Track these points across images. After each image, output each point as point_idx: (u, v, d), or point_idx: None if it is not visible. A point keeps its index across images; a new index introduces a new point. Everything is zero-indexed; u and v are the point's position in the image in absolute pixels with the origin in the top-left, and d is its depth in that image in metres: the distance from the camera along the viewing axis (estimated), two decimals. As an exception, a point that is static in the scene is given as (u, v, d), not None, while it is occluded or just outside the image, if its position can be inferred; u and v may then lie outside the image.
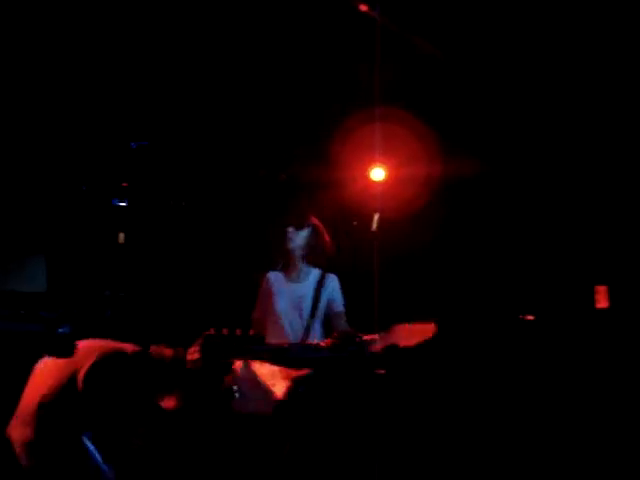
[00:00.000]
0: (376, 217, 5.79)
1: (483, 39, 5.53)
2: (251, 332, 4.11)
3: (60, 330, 2.50)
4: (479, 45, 5.56)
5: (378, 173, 5.81)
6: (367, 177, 5.77)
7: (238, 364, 4.36)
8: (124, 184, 5.97)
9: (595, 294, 5.72)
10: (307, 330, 4.44)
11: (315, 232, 4.79)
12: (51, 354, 2.62)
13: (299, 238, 4.76)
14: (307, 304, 4.70)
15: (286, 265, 4.80)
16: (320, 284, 4.73)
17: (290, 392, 4.09)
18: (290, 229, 4.74)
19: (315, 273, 4.82)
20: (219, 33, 5.43)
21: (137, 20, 5.31)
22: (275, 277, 4.78)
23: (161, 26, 5.31)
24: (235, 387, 4.32)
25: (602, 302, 5.73)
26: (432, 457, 4.32)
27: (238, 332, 3.95)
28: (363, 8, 5.02)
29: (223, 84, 5.69)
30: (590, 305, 5.67)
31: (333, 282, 4.84)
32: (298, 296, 4.72)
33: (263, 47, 5.45)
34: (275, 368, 4.29)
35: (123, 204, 5.82)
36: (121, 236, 5.81)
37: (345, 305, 4.80)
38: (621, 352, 5.34)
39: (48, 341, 2.45)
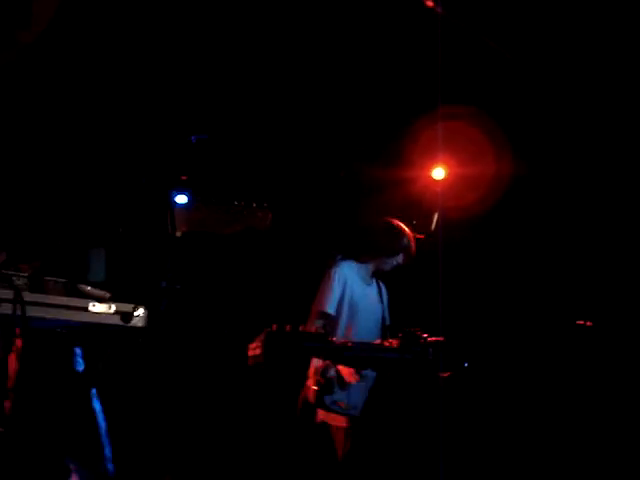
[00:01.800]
0: (436, 216, 5.74)
1: (550, 37, 5.43)
2: (314, 329, 4.09)
3: (133, 322, 2.48)
4: (545, 42, 5.46)
5: (439, 172, 5.76)
6: (428, 176, 5.73)
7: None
8: (183, 177, 5.98)
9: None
10: (384, 334, 4.39)
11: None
12: (124, 345, 2.62)
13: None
14: (380, 311, 4.64)
15: (359, 262, 4.64)
16: (380, 292, 4.72)
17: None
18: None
19: (374, 279, 4.76)
20: (286, 30, 5.41)
21: (201, 13, 5.31)
22: (349, 273, 4.58)
23: (226, 18, 5.30)
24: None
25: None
26: (496, 460, 4.26)
27: (301, 329, 3.92)
28: (429, 4, 4.95)
29: (288, 80, 5.67)
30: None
31: (386, 294, 4.80)
32: (375, 302, 4.66)
33: (333, 46, 5.42)
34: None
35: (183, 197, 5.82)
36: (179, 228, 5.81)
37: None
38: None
39: (123, 332, 2.44)
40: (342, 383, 4.28)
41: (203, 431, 5.39)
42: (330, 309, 4.49)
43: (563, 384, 4.94)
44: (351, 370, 4.26)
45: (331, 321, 4.47)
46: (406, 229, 4.65)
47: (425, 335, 3.78)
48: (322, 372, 4.29)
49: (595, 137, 5.71)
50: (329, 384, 4.29)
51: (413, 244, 4.63)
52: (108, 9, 5.19)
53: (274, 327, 3.58)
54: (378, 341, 4.16)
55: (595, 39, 5.35)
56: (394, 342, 3.62)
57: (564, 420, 4.64)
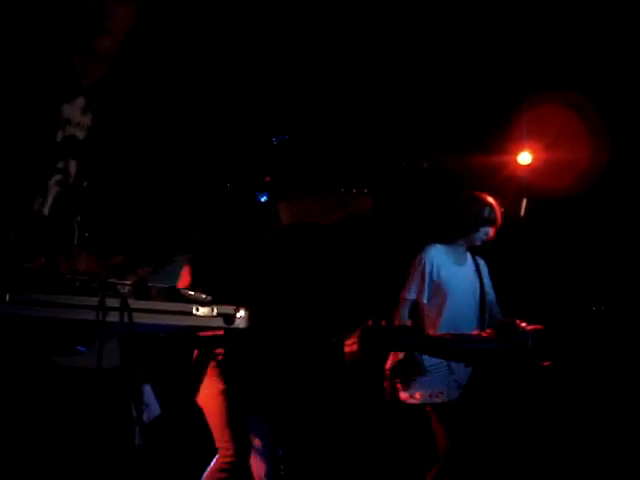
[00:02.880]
0: (524, 202, 5.63)
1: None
2: (409, 323, 4.06)
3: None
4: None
5: (525, 157, 5.65)
6: (515, 162, 5.63)
7: None
8: (267, 178, 6.03)
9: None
10: (482, 319, 4.28)
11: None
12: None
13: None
14: (477, 290, 4.53)
15: (448, 242, 4.52)
16: (478, 269, 4.56)
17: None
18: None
19: (468, 255, 4.60)
20: (355, 27, 5.39)
21: (280, 12, 5.33)
22: (437, 255, 4.45)
23: (306, 17, 5.30)
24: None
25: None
26: (597, 452, 4.15)
27: (395, 321, 3.89)
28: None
29: (364, 73, 5.65)
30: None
31: (486, 268, 4.63)
32: (469, 280, 4.49)
33: (419, 35, 5.36)
34: None
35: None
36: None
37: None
38: None
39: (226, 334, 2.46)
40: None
41: (301, 428, 5.41)
42: (416, 295, 4.40)
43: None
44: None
45: (421, 307, 4.39)
46: (489, 199, 4.51)
47: (524, 324, 3.71)
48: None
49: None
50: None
51: (498, 213, 4.52)
52: (186, 10, 5.25)
53: (370, 322, 3.57)
54: (475, 331, 4.07)
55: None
56: (491, 332, 3.56)
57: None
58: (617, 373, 4.24)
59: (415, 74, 5.61)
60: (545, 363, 3.59)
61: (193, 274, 3.85)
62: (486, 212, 4.47)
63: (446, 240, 4.51)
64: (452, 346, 3.58)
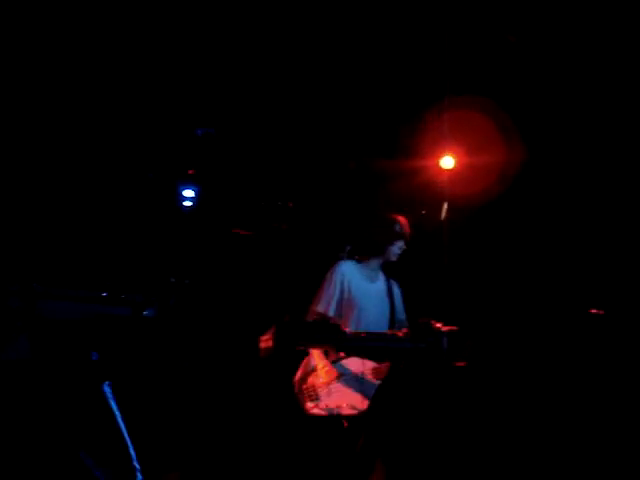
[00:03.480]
0: (445, 206, 5.70)
1: (557, 25, 5.39)
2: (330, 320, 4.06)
3: (145, 313, 2.46)
4: (551, 30, 5.43)
5: (448, 161, 5.71)
6: (436, 166, 5.68)
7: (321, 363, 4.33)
8: (190, 171, 5.96)
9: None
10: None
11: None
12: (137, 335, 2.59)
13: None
14: (387, 307, 4.62)
15: (361, 260, 4.66)
16: (390, 289, 4.69)
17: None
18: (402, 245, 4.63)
19: (381, 275, 4.74)
20: (291, 25, 5.37)
21: (205, 8, 5.27)
22: (348, 272, 4.58)
23: (232, 15, 5.26)
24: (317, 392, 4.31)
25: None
26: (510, 451, 4.22)
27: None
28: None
29: (294, 72, 5.63)
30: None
31: (398, 290, 4.78)
32: (380, 298, 4.63)
33: (342, 39, 5.37)
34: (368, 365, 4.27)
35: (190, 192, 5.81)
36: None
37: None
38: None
39: (135, 323, 2.41)
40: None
41: (211, 425, 5.37)
42: (324, 308, 4.49)
43: (574, 373, 4.90)
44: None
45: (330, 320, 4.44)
46: (397, 216, 4.65)
47: (439, 324, 3.75)
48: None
49: (604, 126, 5.67)
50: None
51: (406, 227, 4.64)
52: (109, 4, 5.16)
53: (286, 318, 3.55)
54: (390, 332, 4.13)
55: (592, 28, 5.31)
56: (407, 332, 3.58)
57: (572, 412, 4.61)
58: (529, 373, 4.33)
59: (341, 79, 5.63)
60: (459, 364, 3.63)
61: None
62: (397, 228, 4.62)
63: (360, 258, 4.66)
64: (367, 344, 3.59)
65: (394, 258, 4.65)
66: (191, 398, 5.27)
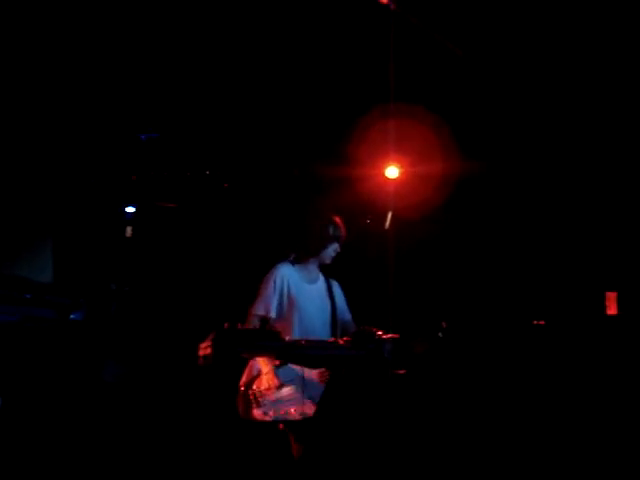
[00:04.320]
0: (389, 215, 5.70)
1: (502, 35, 5.44)
2: (267, 327, 4.01)
3: (73, 316, 2.38)
4: (497, 40, 5.48)
5: (392, 171, 5.72)
6: (381, 175, 5.69)
7: (265, 370, 4.29)
8: (133, 177, 5.88)
9: (605, 300, 5.65)
10: (334, 336, 4.39)
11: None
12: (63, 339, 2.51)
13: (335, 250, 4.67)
14: (327, 308, 4.62)
15: (299, 262, 4.66)
16: (330, 289, 4.69)
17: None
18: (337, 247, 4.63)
19: (320, 275, 4.74)
20: (232, 29, 5.33)
21: (149, 13, 5.21)
22: (287, 274, 4.57)
23: (176, 18, 5.21)
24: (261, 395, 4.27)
25: (612, 309, 5.66)
26: (447, 458, 4.22)
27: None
28: (383, 1, 4.91)
29: (236, 79, 5.59)
30: (600, 311, 5.59)
31: (339, 289, 4.79)
32: (320, 298, 4.63)
33: (281, 42, 5.36)
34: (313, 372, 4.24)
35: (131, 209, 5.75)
36: (128, 230, 5.71)
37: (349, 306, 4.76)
38: (631, 359, 5.26)
39: (60, 326, 2.33)
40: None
41: (151, 431, 5.29)
42: (264, 311, 4.47)
43: (519, 382, 4.93)
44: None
45: (271, 323, 4.39)
46: (332, 217, 4.65)
47: (380, 332, 3.74)
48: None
49: (551, 135, 5.75)
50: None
51: (343, 229, 4.65)
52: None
53: (226, 325, 3.50)
54: (331, 339, 4.11)
55: (550, 36, 5.38)
56: (348, 339, 3.57)
57: (515, 417, 4.64)
58: (472, 379, 4.34)
59: (284, 84, 5.61)
60: (400, 371, 3.62)
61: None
62: (331, 230, 4.62)
63: (297, 259, 4.65)
64: (307, 352, 3.55)
65: (329, 261, 4.68)
66: (128, 406, 5.18)
